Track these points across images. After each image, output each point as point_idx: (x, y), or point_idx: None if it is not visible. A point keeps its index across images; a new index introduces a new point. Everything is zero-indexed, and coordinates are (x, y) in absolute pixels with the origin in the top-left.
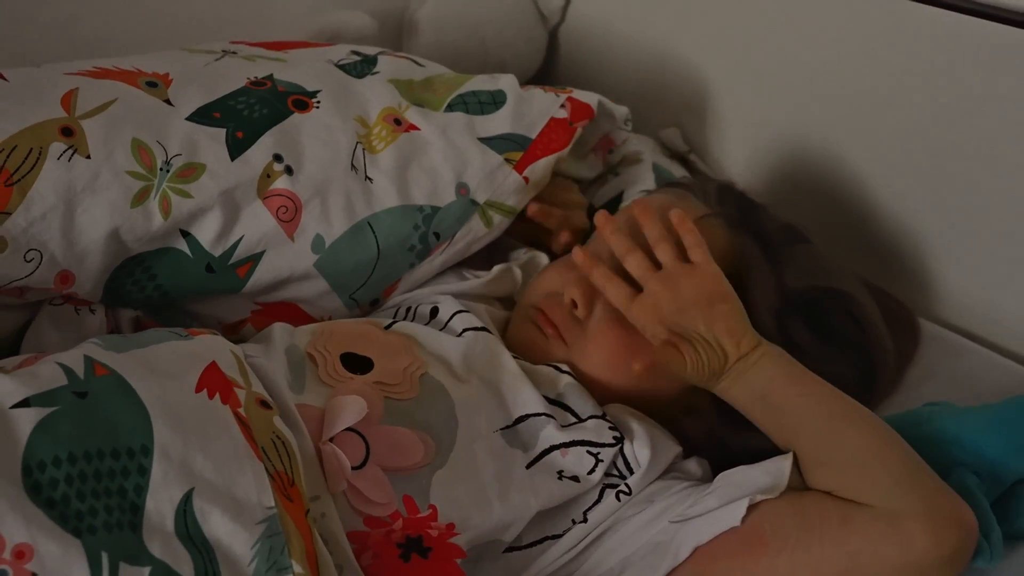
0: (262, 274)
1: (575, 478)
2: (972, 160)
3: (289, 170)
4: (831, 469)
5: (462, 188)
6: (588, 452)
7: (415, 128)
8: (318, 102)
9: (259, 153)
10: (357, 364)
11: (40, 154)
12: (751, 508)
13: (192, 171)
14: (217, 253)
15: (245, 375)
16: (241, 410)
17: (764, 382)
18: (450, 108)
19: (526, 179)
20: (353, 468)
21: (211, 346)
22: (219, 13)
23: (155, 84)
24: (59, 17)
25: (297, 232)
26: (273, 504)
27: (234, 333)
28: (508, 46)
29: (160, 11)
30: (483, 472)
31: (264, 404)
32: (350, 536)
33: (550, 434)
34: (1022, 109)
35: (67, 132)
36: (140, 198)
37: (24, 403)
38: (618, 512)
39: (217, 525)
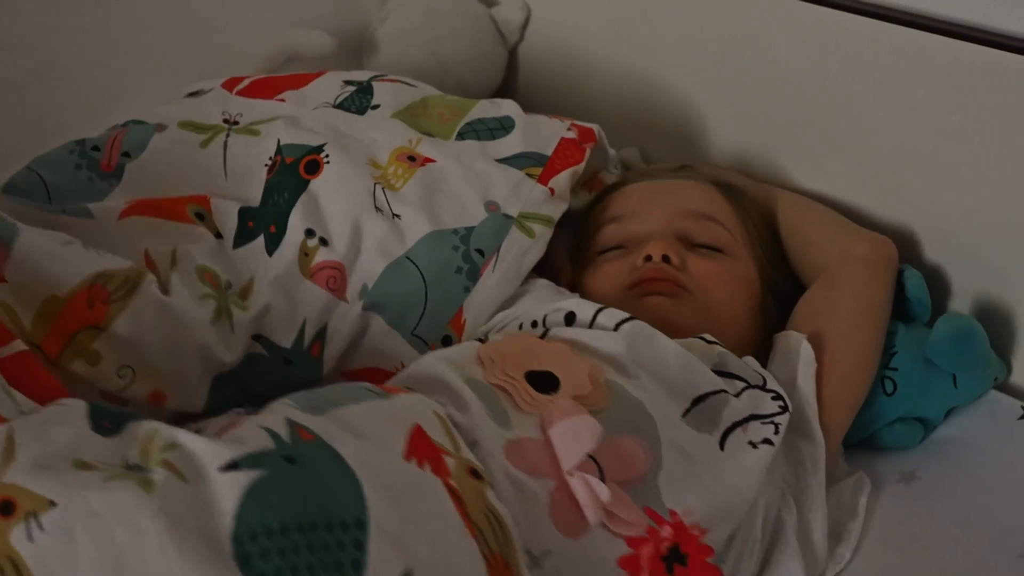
0: (331, 346)
1: (767, 441)
2: (950, 183)
3: (324, 241)
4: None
5: (491, 205)
6: (762, 424)
7: (430, 160)
8: (327, 156)
9: (292, 237)
10: (541, 382)
11: (136, 283)
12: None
13: (248, 290)
14: (289, 344)
15: (453, 438)
16: (452, 480)
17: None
18: (460, 137)
19: (551, 190)
20: None
21: (412, 407)
22: (178, 35)
23: (203, 216)
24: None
25: (348, 293)
26: None
27: None
28: (468, 65)
29: (120, 34)
30: (693, 462)
31: (475, 474)
32: (621, 563)
33: (732, 410)
34: (992, 127)
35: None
36: (217, 316)
37: (232, 466)
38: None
39: None
